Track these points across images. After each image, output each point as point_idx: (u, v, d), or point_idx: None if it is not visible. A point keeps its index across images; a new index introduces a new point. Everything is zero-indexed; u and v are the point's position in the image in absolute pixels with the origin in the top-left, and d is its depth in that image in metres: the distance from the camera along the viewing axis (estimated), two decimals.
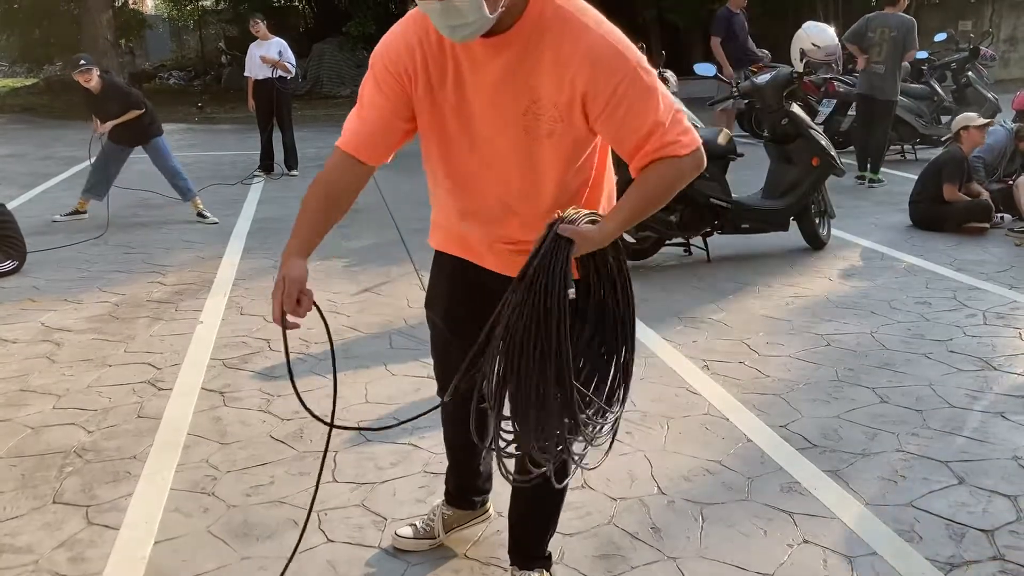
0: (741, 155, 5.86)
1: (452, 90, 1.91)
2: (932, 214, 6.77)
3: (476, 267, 2.13)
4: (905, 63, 8.67)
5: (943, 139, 7.41)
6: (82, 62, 6.84)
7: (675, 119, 1.84)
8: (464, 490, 2.58)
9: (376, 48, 1.97)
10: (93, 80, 6.83)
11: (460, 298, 2.21)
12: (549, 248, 1.82)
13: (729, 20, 9.59)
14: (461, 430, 2.37)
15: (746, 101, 8.45)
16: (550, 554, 2.38)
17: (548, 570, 2.36)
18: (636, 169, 1.89)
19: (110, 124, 6.94)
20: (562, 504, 2.34)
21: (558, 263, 1.81)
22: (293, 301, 1.84)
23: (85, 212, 7.25)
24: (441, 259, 2.25)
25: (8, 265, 5.56)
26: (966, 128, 6.72)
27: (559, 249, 1.82)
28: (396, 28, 1.95)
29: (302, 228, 1.94)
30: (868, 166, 8.64)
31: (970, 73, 10.55)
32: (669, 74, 8.30)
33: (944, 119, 10.56)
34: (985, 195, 6.79)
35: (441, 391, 2.35)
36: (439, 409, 2.35)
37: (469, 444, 2.41)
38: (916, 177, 7.13)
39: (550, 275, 1.80)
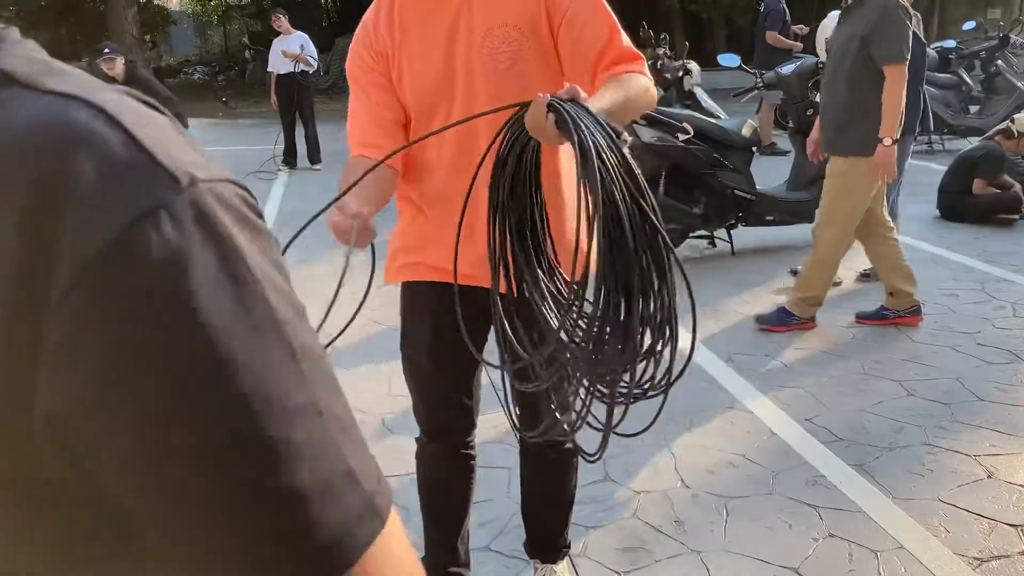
0: (789, 151, 5.80)
1: (407, 53, 1.80)
2: (960, 205, 6.68)
3: (460, 291, 1.76)
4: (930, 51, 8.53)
5: (1003, 117, 7.27)
6: (106, 50, 7.01)
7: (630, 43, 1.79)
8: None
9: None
10: (116, 68, 6.95)
11: (446, 331, 1.87)
12: (564, 113, 1.39)
13: (783, 13, 9.71)
14: (452, 480, 2.15)
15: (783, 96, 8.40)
16: (570, 542, 2.36)
17: (568, 556, 2.36)
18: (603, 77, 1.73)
19: None
20: (575, 492, 2.28)
21: (587, 117, 1.39)
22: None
23: None
24: (417, 292, 1.97)
25: None
26: (1022, 135, 6.61)
27: (575, 108, 1.40)
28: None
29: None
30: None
31: (999, 62, 10.39)
32: (692, 65, 8.25)
33: (972, 109, 10.42)
34: (1017, 187, 6.70)
35: (427, 434, 2.14)
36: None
37: (457, 501, 2.21)
38: (943, 168, 7.04)
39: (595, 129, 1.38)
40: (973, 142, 7.49)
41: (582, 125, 1.35)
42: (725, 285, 5.16)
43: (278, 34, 9.47)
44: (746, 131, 5.67)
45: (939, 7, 19.88)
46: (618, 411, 1.44)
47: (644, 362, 1.41)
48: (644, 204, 1.35)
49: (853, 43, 4.00)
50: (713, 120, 5.81)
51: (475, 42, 1.76)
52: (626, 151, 1.37)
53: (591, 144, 1.32)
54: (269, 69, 9.53)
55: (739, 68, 7.41)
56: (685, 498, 2.84)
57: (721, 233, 5.86)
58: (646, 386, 1.44)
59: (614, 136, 1.37)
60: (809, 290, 4.32)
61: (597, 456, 1.54)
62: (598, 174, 1.29)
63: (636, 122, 5.37)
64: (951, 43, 10.84)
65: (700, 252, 5.91)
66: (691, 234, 5.74)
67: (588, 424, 1.53)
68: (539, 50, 1.76)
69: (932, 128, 5.04)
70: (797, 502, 2.80)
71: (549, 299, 1.60)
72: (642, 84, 1.71)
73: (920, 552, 2.52)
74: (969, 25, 12.13)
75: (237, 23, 26.04)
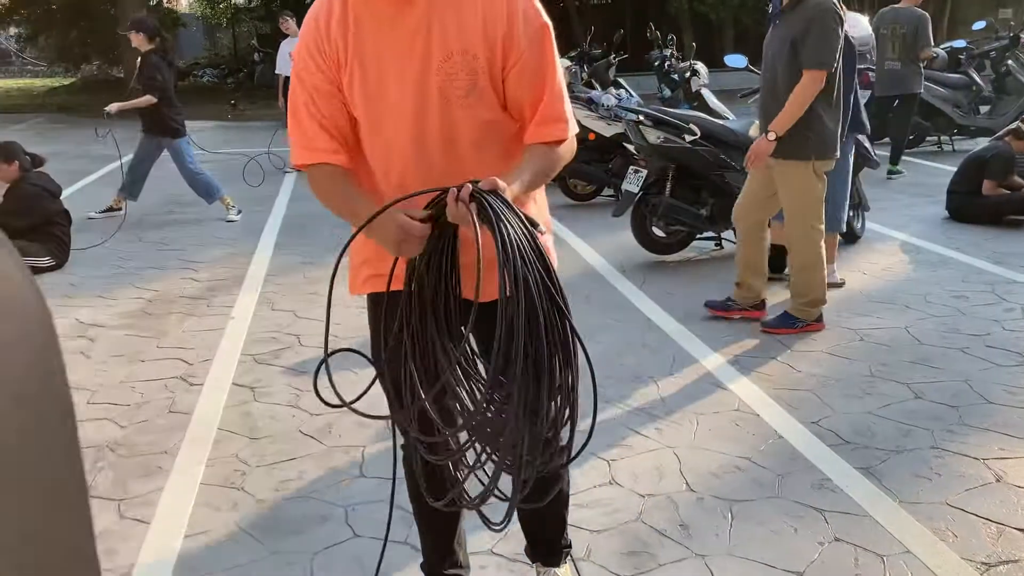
0: None
1: (359, 60, 1.77)
2: (968, 205, 6.64)
3: None
4: (933, 52, 8.47)
5: (1013, 117, 7.24)
6: (130, 22, 7.21)
7: (564, 95, 1.84)
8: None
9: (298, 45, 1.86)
10: (134, 42, 7.09)
11: None
12: (487, 206, 1.54)
13: None
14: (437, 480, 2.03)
15: None
16: (570, 542, 2.35)
17: (572, 560, 2.34)
18: (529, 140, 1.82)
19: (115, 106, 7.07)
20: (569, 491, 2.28)
21: (508, 211, 1.55)
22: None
23: (120, 209, 7.35)
24: (382, 302, 1.87)
25: (47, 261, 5.66)
26: None
27: (496, 202, 1.56)
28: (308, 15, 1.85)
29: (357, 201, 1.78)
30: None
31: (1010, 62, 10.32)
32: (700, 66, 8.23)
33: (983, 109, 10.37)
34: None
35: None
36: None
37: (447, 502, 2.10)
38: (953, 169, 7.00)
39: (508, 225, 1.53)
40: (983, 142, 7.45)
41: (504, 222, 1.52)
42: (730, 286, 5.13)
43: (286, 36, 9.50)
44: (753, 132, 5.63)
45: (950, 7, 19.78)
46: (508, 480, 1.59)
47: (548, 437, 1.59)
48: (554, 290, 1.55)
49: (786, 46, 3.99)
50: (720, 121, 5.79)
51: (433, 64, 1.75)
52: (540, 243, 1.57)
53: (511, 241, 1.50)
54: (277, 71, 9.58)
55: (746, 69, 7.39)
56: (690, 502, 2.82)
57: (728, 234, 5.84)
58: (549, 461, 1.66)
59: (531, 229, 1.56)
60: (806, 294, 4.29)
61: (503, 526, 1.68)
62: (513, 266, 1.49)
63: (642, 123, 5.36)
64: (961, 43, 10.79)
65: (706, 253, 5.89)
66: (698, 235, 5.72)
67: (495, 495, 1.64)
68: (492, 84, 1.78)
69: (869, 132, 5.02)
70: (803, 506, 2.78)
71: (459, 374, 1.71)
72: (560, 152, 1.82)
73: (927, 557, 2.50)
74: (980, 25, 12.05)
75: (246, 26, 26.09)
